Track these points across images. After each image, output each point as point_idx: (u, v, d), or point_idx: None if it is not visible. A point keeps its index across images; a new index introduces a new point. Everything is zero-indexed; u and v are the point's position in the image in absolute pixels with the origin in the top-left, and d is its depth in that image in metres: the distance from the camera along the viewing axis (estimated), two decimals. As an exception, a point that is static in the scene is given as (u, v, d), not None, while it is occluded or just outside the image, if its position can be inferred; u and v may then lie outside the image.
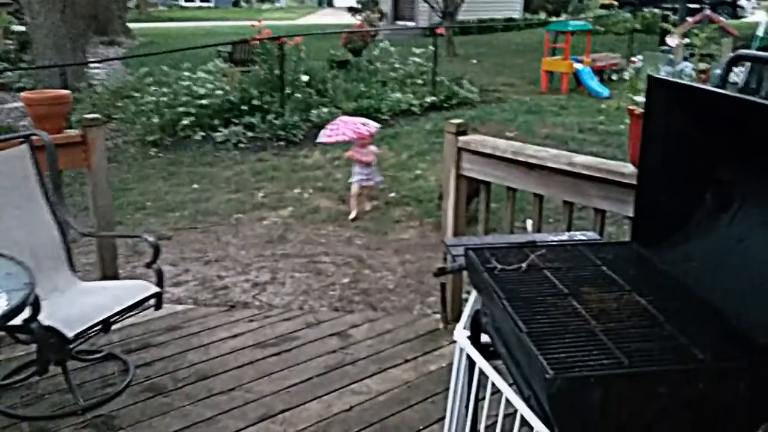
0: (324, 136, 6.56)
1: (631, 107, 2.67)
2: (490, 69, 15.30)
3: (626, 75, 2.89)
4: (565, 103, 11.41)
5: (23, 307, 2.25)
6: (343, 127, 6.51)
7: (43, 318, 2.61)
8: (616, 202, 2.81)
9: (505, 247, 2.19)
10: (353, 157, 6.47)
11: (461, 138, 3.51)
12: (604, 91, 12.10)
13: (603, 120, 9.79)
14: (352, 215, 6.34)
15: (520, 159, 3.18)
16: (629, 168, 2.73)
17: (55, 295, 3.03)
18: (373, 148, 6.56)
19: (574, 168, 2.95)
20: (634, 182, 2.31)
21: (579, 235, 2.50)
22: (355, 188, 6.41)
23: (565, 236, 2.49)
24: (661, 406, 1.50)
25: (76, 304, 3.01)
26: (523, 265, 2.03)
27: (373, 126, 6.71)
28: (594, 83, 12.53)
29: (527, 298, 1.84)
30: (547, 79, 13.05)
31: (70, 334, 2.72)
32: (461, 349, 2.04)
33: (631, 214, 2.50)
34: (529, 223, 3.26)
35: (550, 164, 3.05)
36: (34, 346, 2.85)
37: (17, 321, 2.48)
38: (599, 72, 13.15)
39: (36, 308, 2.54)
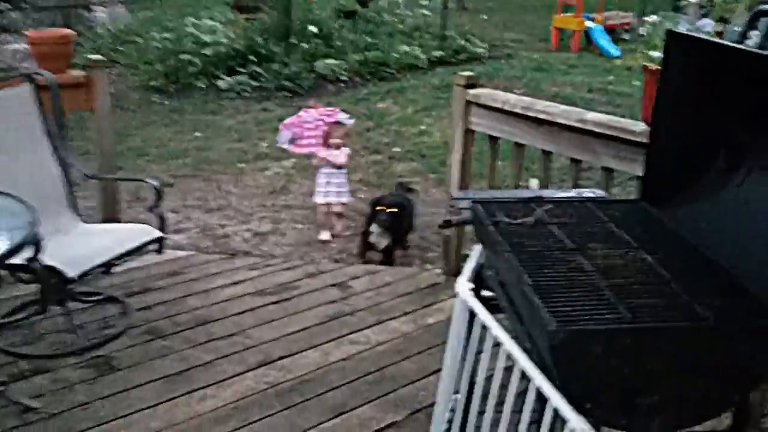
0: (285, 141, 5.06)
1: (646, 63, 2.62)
2: (499, 24, 15.04)
3: (642, 31, 2.82)
4: (575, 62, 11.24)
5: (25, 246, 2.25)
6: (309, 131, 4.95)
7: (45, 258, 2.61)
8: (626, 160, 2.78)
9: (512, 202, 2.16)
10: (324, 161, 4.77)
11: (471, 91, 3.45)
12: (616, 51, 11.90)
13: (613, 80, 9.66)
14: (323, 237, 4.78)
15: (530, 114, 3.14)
16: (640, 126, 2.69)
17: (57, 235, 3.01)
18: (346, 149, 4.87)
19: (584, 125, 2.91)
20: (645, 141, 2.28)
21: (587, 192, 2.47)
22: (323, 209, 4.84)
23: (572, 193, 2.46)
24: (663, 362, 1.50)
25: (78, 245, 3.01)
26: (530, 219, 2.02)
27: (344, 117, 5.12)
28: (605, 42, 12.31)
29: (533, 252, 1.83)
30: (557, 37, 12.83)
31: (72, 274, 2.72)
32: (462, 301, 2.03)
33: (640, 174, 2.48)
34: (534, 182, 3.23)
35: (560, 120, 3.01)
36: (35, 286, 2.86)
37: (19, 260, 2.49)
38: (611, 31, 12.92)
39: (38, 247, 2.53)
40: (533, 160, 4.18)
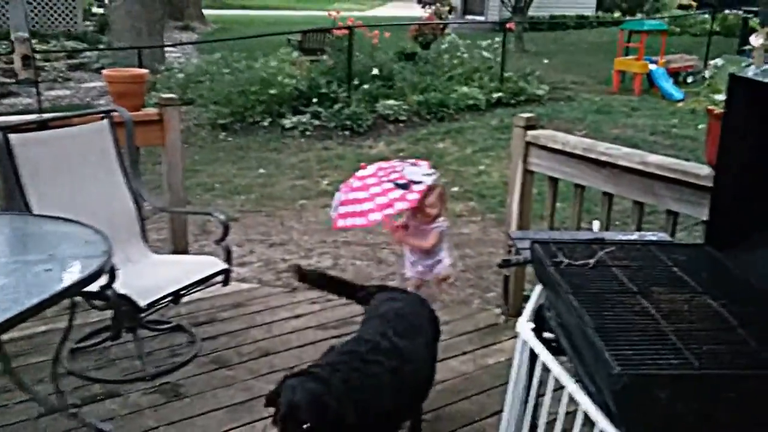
0: (336, 214, 3.23)
1: (710, 107, 2.61)
2: (559, 66, 15.04)
3: (706, 73, 2.81)
4: (637, 105, 11.13)
5: (101, 274, 2.34)
6: (355, 191, 3.24)
7: (118, 286, 2.73)
8: (690, 204, 2.75)
9: (572, 243, 2.17)
10: (405, 243, 3.39)
11: (530, 132, 3.48)
12: (679, 94, 11.73)
13: (676, 123, 9.52)
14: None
15: (591, 156, 3.14)
16: (705, 170, 2.67)
17: (129, 265, 3.15)
18: (441, 222, 3.31)
19: (647, 167, 2.90)
20: (710, 184, 2.27)
21: (650, 236, 2.46)
22: (412, 282, 3.48)
23: (635, 236, 2.46)
24: (730, 410, 1.47)
25: (148, 274, 3.13)
26: (591, 261, 2.01)
27: (422, 171, 3.25)
28: (668, 85, 12.17)
29: (594, 294, 1.82)
30: (618, 79, 12.75)
31: (143, 303, 2.84)
32: (524, 342, 2.04)
33: (705, 218, 2.45)
34: (596, 224, 3.21)
35: (622, 162, 3.00)
36: (108, 313, 2.98)
37: (94, 287, 2.60)
38: (674, 74, 12.76)
39: (112, 276, 2.66)
40: (595, 202, 4.15)
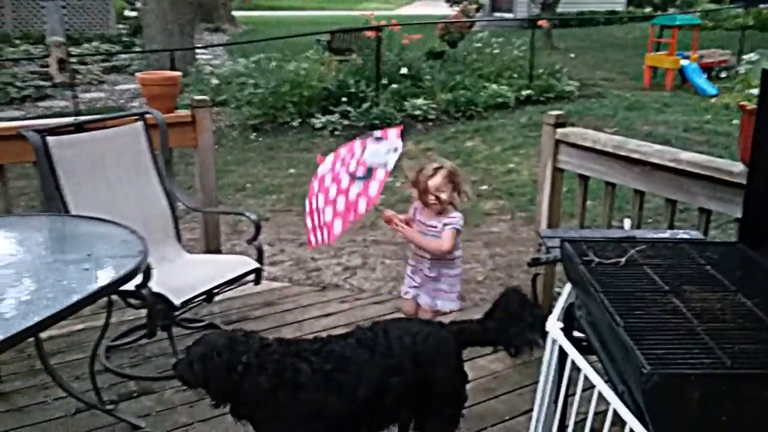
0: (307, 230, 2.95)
1: (743, 102, 2.57)
2: (589, 63, 14.89)
3: (741, 69, 2.77)
4: (669, 101, 10.96)
5: (136, 273, 2.39)
6: (328, 202, 2.74)
7: (153, 285, 2.78)
8: (723, 201, 2.72)
9: (603, 241, 2.16)
10: (410, 241, 2.94)
11: (560, 130, 3.47)
12: (712, 89, 11.54)
13: (710, 119, 9.36)
14: None
15: (622, 153, 3.11)
16: (739, 167, 2.63)
17: (163, 264, 3.21)
18: (454, 217, 2.82)
19: (679, 164, 2.87)
20: (744, 181, 2.24)
21: (682, 234, 2.44)
22: (408, 305, 3.09)
23: (666, 234, 2.44)
24: (763, 410, 1.46)
25: (182, 273, 3.19)
26: (622, 259, 2.01)
27: (386, 153, 2.63)
28: (701, 80, 11.97)
29: (625, 292, 1.81)
30: (650, 75, 12.58)
31: (177, 302, 2.89)
32: (553, 341, 2.04)
33: (738, 215, 2.42)
34: (627, 222, 3.18)
35: (653, 160, 2.97)
36: (143, 311, 3.04)
37: (130, 286, 2.66)
38: (707, 69, 12.55)
39: (147, 275, 2.71)
40: (626, 200, 4.12)
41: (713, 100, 10.70)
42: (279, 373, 2.08)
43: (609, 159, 3.22)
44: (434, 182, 2.73)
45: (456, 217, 2.76)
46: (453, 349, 2.28)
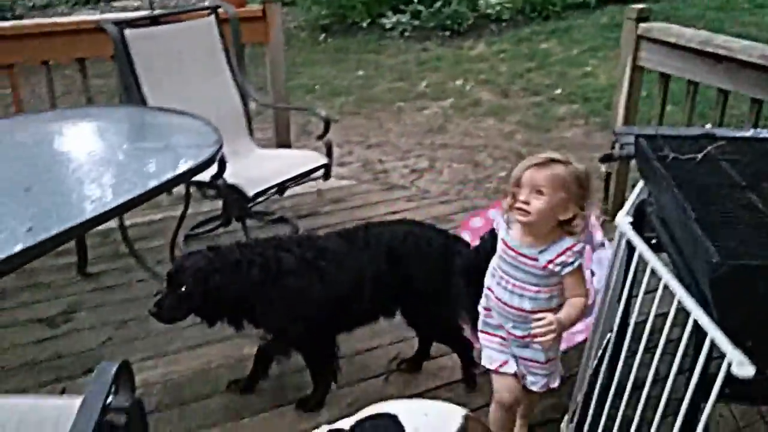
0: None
1: None
2: (679, -40, 13.89)
3: None
4: (763, 1, 10.19)
5: (212, 162, 2.47)
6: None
7: (228, 176, 2.88)
8: (814, 101, 2.57)
9: (680, 137, 2.09)
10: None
11: (642, 24, 3.30)
12: (814, -11, 10.63)
13: (808, 20, 8.70)
14: None
15: (708, 50, 2.96)
16: (835, 63, 2.47)
17: (236, 158, 3.29)
18: (575, 247, 1.85)
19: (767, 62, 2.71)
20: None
21: (765, 133, 2.33)
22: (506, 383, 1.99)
23: (749, 132, 2.33)
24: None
25: (255, 167, 3.28)
26: (699, 155, 1.95)
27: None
28: (802, -21, 11.02)
29: (700, 187, 1.76)
30: (745, -26, 11.66)
31: (251, 193, 2.99)
32: (621, 234, 2.02)
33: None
34: (708, 126, 3.05)
35: (740, 56, 2.81)
36: (218, 204, 3.16)
37: (205, 177, 2.76)
38: (811, -34, 11.53)
39: (222, 166, 2.80)
40: (709, 104, 3.94)
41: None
42: (265, 265, 2.18)
43: (694, 56, 3.06)
44: (538, 176, 1.78)
45: (576, 249, 1.83)
46: (436, 250, 2.30)
